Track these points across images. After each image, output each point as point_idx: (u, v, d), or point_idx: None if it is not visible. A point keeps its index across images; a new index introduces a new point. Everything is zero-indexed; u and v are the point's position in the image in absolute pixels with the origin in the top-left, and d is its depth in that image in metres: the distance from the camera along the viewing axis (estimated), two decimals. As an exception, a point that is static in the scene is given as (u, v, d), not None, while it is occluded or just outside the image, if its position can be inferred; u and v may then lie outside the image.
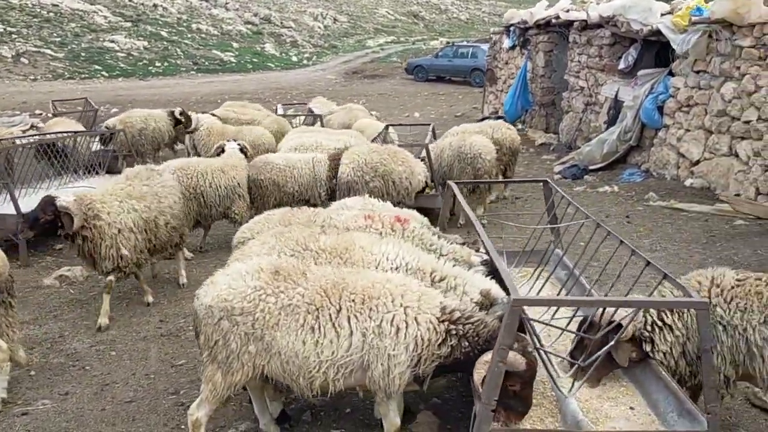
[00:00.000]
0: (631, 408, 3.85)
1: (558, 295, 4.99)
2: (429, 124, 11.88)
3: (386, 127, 11.41)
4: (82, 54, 32.90)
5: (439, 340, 3.85)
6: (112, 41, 35.14)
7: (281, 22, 49.56)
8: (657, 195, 10.14)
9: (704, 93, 10.24)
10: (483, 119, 17.79)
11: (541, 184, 6.03)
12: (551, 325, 3.85)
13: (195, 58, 35.97)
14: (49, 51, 32.17)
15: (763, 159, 9.08)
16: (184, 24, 42.66)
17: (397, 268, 4.54)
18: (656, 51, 12.10)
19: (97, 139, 11.05)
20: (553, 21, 15.03)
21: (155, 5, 45.02)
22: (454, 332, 3.87)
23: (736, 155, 9.59)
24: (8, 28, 33.04)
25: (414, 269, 4.57)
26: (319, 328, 3.76)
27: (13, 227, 7.20)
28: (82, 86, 28.45)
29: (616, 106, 12.38)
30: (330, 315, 3.78)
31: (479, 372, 3.64)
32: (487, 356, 3.63)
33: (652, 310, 3.95)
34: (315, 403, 4.66)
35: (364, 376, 3.85)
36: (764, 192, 9.08)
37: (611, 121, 12.46)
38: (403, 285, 4.00)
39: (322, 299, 3.80)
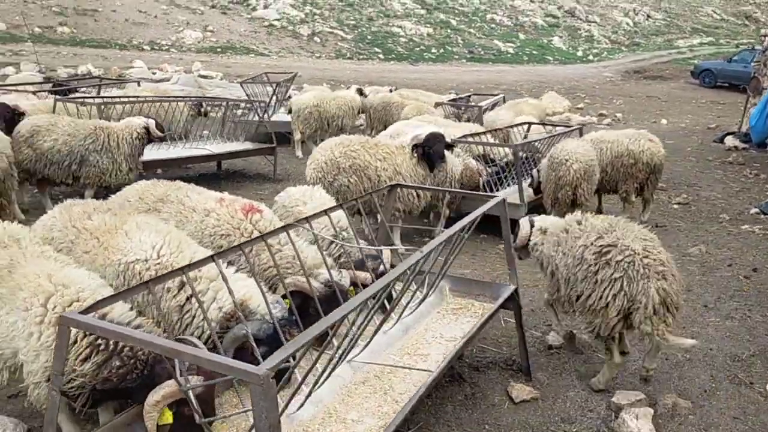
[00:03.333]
0: None
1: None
2: (578, 127, 9.71)
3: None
4: (368, 37, 34.92)
5: (81, 355, 2.89)
6: (400, 27, 36.66)
7: (586, 16, 46.99)
8: None
9: None
10: (725, 135, 14.46)
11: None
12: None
13: (473, 47, 35.79)
14: (341, 32, 34.77)
15: None
16: (480, 14, 42.81)
17: (146, 260, 3.54)
18: None
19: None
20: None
21: (460, -5, 46.05)
22: (101, 347, 2.88)
23: None
24: (314, 10, 36.49)
25: (166, 265, 3.52)
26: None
27: None
28: (356, 66, 30.21)
29: None
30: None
31: (150, 416, 2.65)
32: (158, 395, 2.69)
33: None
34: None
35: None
36: None
37: None
38: (63, 284, 3.05)
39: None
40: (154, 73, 23.20)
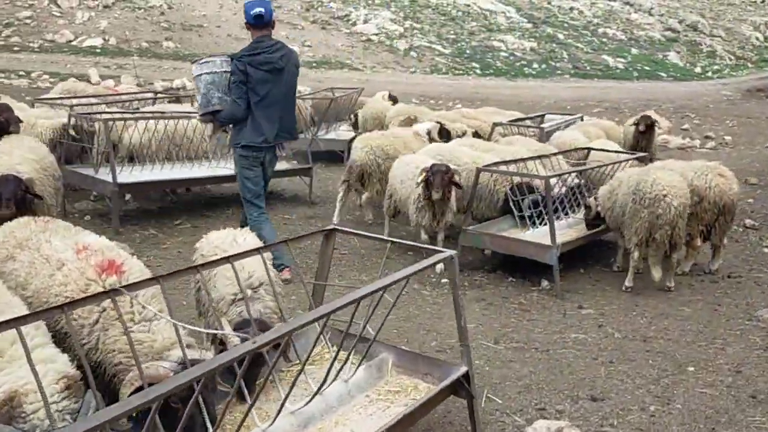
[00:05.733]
0: None
1: None
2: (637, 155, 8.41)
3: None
4: (467, 51, 33.93)
5: None
6: (501, 41, 35.43)
7: (710, 31, 43.65)
8: None
9: None
10: None
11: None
12: None
13: (578, 62, 33.93)
14: (439, 47, 34.01)
15: None
16: (591, 27, 40.74)
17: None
18: None
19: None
20: None
21: (572, 8, 44.14)
22: None
23: None
24: (414, 24, 35.98)
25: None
26: None
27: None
28: (449, 81, 29.36)
29: None
30: None
31: None
32: None
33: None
34: None
35: None
36: None
37: None
38: None
39: None
40: (243, 88, 23.39)
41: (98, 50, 28.33)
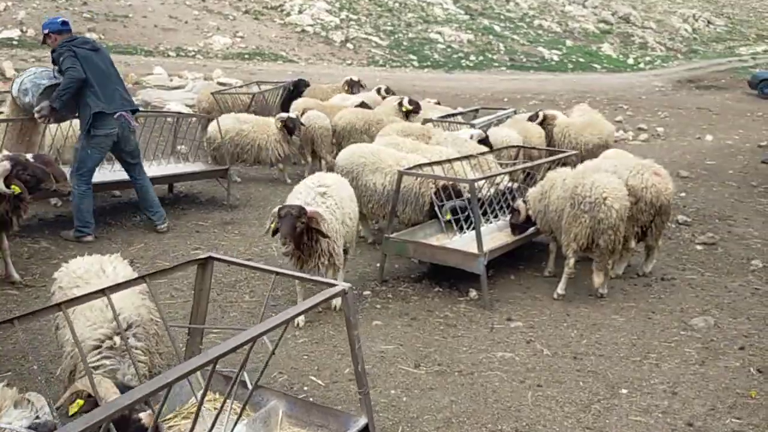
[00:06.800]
0: None
1: None
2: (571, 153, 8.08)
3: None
4: (404, 44, 33.51)
5: None
6: (439, 33, 35.15)
7: (642, 22, 44.50)
8: None
9: None
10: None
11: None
12: None
13: (515, 54, 33.95)
14: (376, 39, 33.45)
15: None
16: (527, 19, 40.92)
17: None
18: None
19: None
20: None
21: (508, 0, 44.29)
22: None
23: None
24: (351, 16, 35.30)
25: None
26: None
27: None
28: (386, 74, 28.83)
29: None
30: None
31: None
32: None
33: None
34: None
35: None
36: None
37: None
38: None
39: None
40: (171, 80, 22.45)
41: (15, 42, 26.68)
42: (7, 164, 5.09)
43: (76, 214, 7.18)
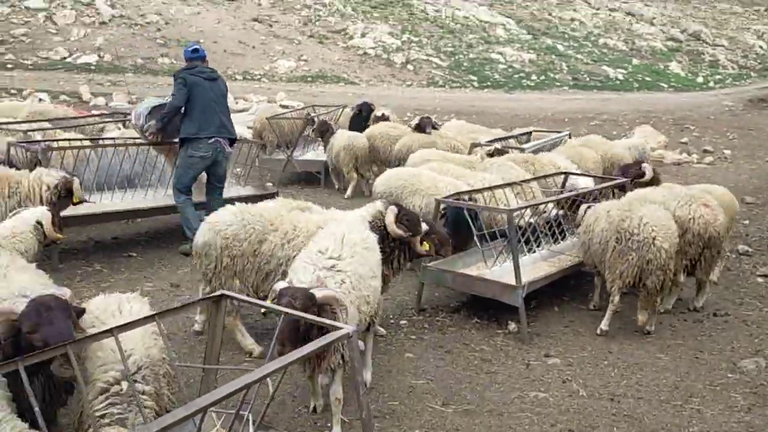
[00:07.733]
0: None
1: None
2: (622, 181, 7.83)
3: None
4: (464, 64, 33.46)
5: None
6: (500, 53, 34.96)
7: (713, 40, 43.07)
8: None
9: None
10: None
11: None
12: None
13: (578, 74, 33.38)
14: (437, 60, 33.54)
15: None
16: (592, 38, 40.24)
17: None
18: None
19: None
20: None
21: (573, 19, 43.75)
22: None
23: None
24: (412, 38, 35.55)
25: None
26: None
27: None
28: (446, 95, 28.84)
29: None
30: None
31: None
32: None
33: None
34: None
35: None
36: None
37: None
38: None
39: None
40: (237, 103, 23.10)
41: (92, 67, 28.01)
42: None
43: (183, 224, 7.72)
